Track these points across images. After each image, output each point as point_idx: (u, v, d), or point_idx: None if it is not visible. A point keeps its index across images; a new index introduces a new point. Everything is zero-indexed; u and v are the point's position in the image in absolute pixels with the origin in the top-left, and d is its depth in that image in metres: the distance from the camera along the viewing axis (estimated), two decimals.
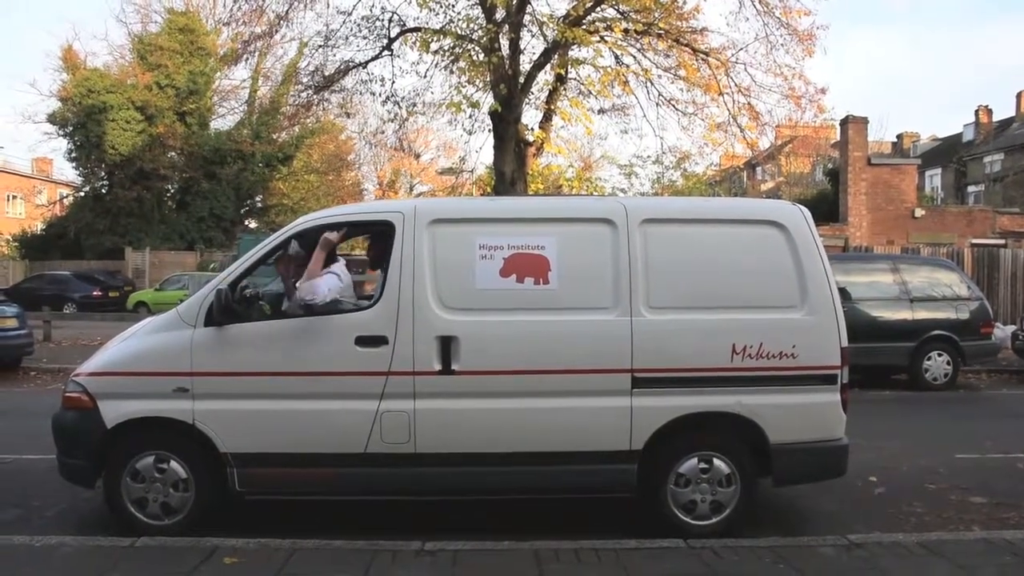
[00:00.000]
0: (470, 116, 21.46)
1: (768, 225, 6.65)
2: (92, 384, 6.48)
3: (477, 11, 20.06)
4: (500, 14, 19.53)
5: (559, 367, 6.34)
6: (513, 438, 6.35)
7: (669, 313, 6.42)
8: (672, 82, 21.98)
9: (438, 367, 6.29)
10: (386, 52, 21.75)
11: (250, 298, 6.80)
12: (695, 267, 6.52)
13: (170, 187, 43.20)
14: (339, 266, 6.83)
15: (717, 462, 6.47)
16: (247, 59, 27.34)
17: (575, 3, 20.08)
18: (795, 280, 6.50)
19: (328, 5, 26.13)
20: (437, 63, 20.77)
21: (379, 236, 7.01)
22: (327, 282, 6.59)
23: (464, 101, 20.64)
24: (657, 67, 21.63)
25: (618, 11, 20.93)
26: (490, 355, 6.34)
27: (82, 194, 43.62)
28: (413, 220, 6.50)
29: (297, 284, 6.65)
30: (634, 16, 20.73)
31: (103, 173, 41.71)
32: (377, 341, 6.31)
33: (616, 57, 21.32)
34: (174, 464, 6.38)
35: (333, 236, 6.69)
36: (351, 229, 7.15)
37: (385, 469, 6.36)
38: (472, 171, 34.22)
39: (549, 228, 6.58)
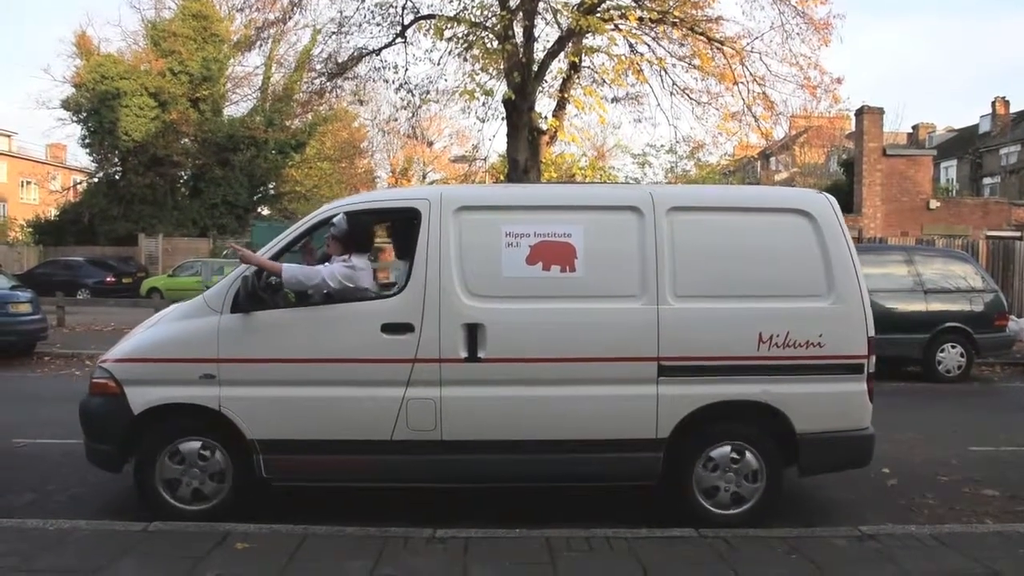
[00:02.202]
0: (483, 104, 21.47)
1: (795, 214, 6.62)
2: (119, 370, 6.49)
3: None
4: (514, 1, 19.50)
5: (585, 355, 6.33)
6: (539, 426, 6.35)
7: (695, 301, 6.41)
8: (686, 71, 21.94)
9: (464, 354, 6.29)
10: (399, 39, 21.76)
11: (275, 285, 6.78)
12: (722, 255, 6.49)
13: (183, 174, 43.26)
14: (359, 257, 6.69)
15: (743, 451, 6.47)
16: (260, 46, 27.36)
17: None
18: (822, 269, 6.48)
19: None
20: (451, 50, 20.77)
21: (402, 224, 7.03)
22: (327, 270, 6.51)
23: (477, 89, 20.61)
24: (671, 56, 21.57)
25: None
26: (516, 343, 6.33)
27: (96, 180, 43.69)
28: (440, 207, 6.49)
29: (331, 264, 6.64)
30: (649, 4, 20.66)
31: (117, 159, 41.79)
32: (403, 328, 6.31)
33: (630, 45, 21.26)
34: (207, 450, 6.42)
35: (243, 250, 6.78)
36: (377, 216, 7.12)
37: (411, 456, 6.37)
38: (485, 159, 34.27)
39: (576, 216, 6.56)
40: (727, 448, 6.46)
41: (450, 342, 6.29)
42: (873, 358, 6.55)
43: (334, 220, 6.69)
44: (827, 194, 6.90)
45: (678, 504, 6.57)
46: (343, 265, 6.54)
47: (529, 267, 6.37)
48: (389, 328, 6.32)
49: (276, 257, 6.62)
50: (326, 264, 6.62)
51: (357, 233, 6.71)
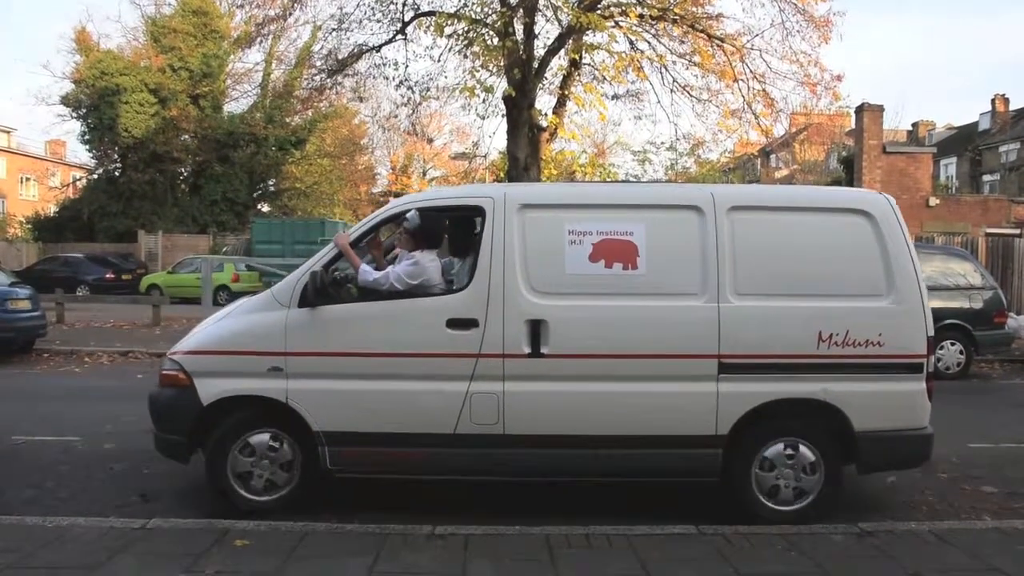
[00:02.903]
0: (483, 101, 21.46)
1: (856, 214, 6.64)
2: (188, 362, 6.64)
3: None
4: None
5: (646, 352, 6.40)
6: (600, 421, 6.41)
7: (756, 300, 6.45)
8: (687, 68, 21.93)
9: (527, 350, 6.38)
10: (400, 36, 21.74)
11: (339, 280, 6.91)
12: (782, 254, 6.53)
13: (183, 170, 43.20)
14: (426, 254, 6.76)
15: (802, 448, 6.50)
16: (261, 42, 27.40)
17: None
18: (882, 268, 6.50)
19: None
20: (451, 47, 20.77)
21: (460, 221, 7.16)
22: (395, 272, 6.60)
23: (478, 86, 20.61)
24: (672, 53, 21.56)
25: None
26: (578, 339, 6.41)
27: (95, 177, 43.67)
28: (504, 205, 6.59)
29: (401, 258, 6.80)
30: (649, 1, 20.64)
31: (116, 156, 41.77)
32: (468, 324, 6.41)
33: (631, 42, 21.24)
34: (273, 440, 6.57)
35: (343, 237, 6.78)
36: (445, 213, 7.15)
37: (474, 450, 6.45)
38: (485, 156, 34.23)
39: (638, 214, 6.62)
40: (785, 446, 6.50)
41: (514, 338, 6.39)
42: (932, 357, 6.59)
43: (407, 216, 6.79)
44: (887, 195, 6.91)
45: (735, 500, 6.60)
46: (408, 264, 6.65)
47: (592, 264, 6.45)
48: (454, 323, 6.42)
49: (356, 244, 6.81)
50: (393, 267, 6.73)
51: (427, 229, 6.80)
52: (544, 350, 6.37)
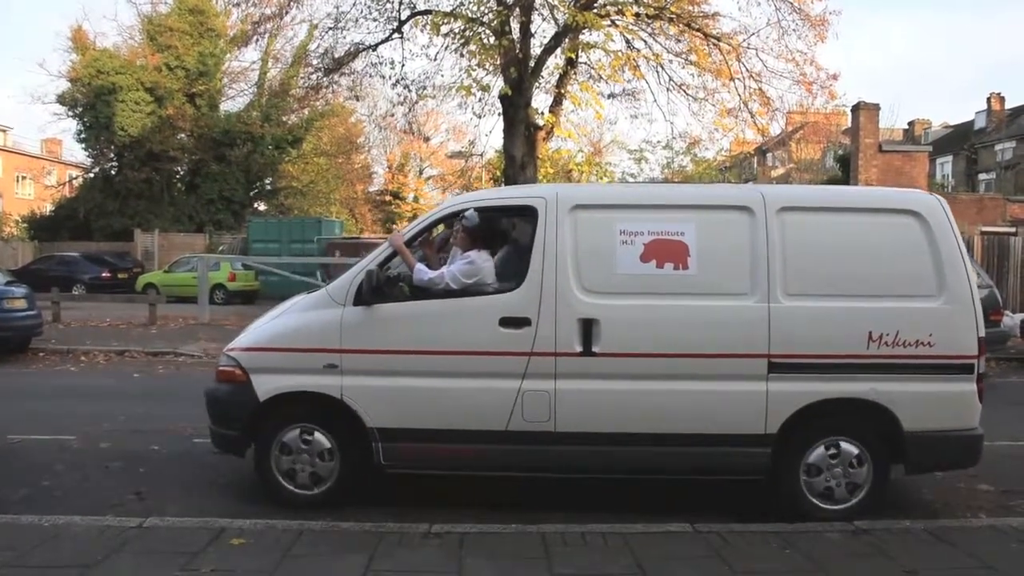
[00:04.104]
0: (480, 99, 21.47)
1: (906, 214, 6.64)
2: (245, 359, 6.79)
3: None
4: None
5: (697, 351, 6.45)
6: (651, 419, 6.47)
7: (806, 300, 6.47)
8: (683, 67, 21.95)
9: (579, 349, 6.45)
10: (396, 35, 21.74)
11: (392, 279, 6.97)
12: (832, 254, 6.55)
13: (180, 169, 43.12)
14: (480, 253, 6.87)
15: (849, 447, 6.52)
16: (257, 41, 27.35)
17: None
18: (932, 269, 6.50)
19: None
20: (447, 46, 20.75)
21: (510, 221, 7.31)
22: (451, 272, 6.73)
23: (474, 84, 20.60)
24: (668, 52, 21.57)
25: None
26: (630, 338, 6.48)
27: (92, 175, 43.60)
28: (556, 205, 6.66)
29: (457, 256, 6.95)
30: (646, 0, 20.64)
31: (113, 154, 41.71)
32: (520, 323, 6.50)
33: (627, 41, 21.26)
34: (318, 435, 6.72)
35: (397, 237, 6.92)
36: (500, 213, 7.26)
37: (526, 447, 6.53)
38: (482, 155, 34.18)
39: (688, 215, 6.68)
40: (834, 444, 6.52)
41: (565, 336, 6.46)
42: (984, 358, 6.58)
43: (465, 214, 6.86)
44: (938, 196, 6.92)
45: (782, 499, 6.62)
46: (463, 263, 6.76)
47: (643, 264, 6.52)
48: (507, 322, 6.51)
49: (409, 243, 6.93)
50: (448, 266, 6.87)
51: (484, 228, 6.90)
52: (596, 349, 6.44)
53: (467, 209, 6.87)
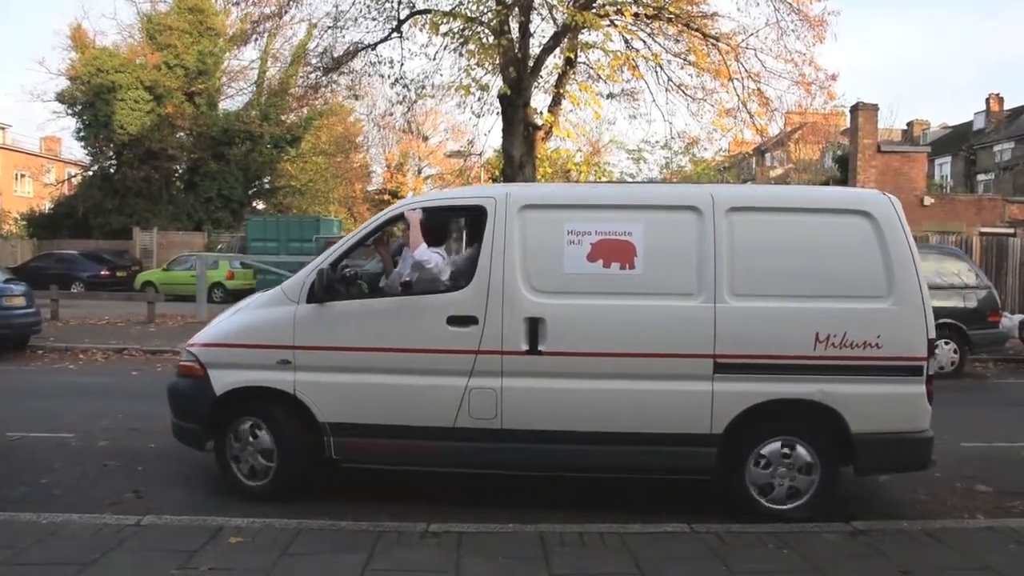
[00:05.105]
0: (479, 99, 21.38)
1: (857, 215, 6.62)
2: (204, 354, 7.01)
3: None
4: None
5: (643, 351, 6.47)
6: (596, 418, 6.49)
7: (753, 300, 6.48)
8: (682, 67, 21.90)
9: (525, 347, 6.50)
10: (395, 34, 21.69)
11: (350, 277, 7.09)
12: (781, 255, 6.55)
13: (178, 167, 43.14)
14: (441, 249, 7.10)
15: (798, 448, 6.52)
16: (256, 40, 27.22)
17: None
18: (882, 270, 6.48)
19: None
20: (446, 45, 20.70)
21: (474, 221, 7.32)
22: (436, 256, 6.90)
23: (473, 84, 20.55)
24: (667, 52, 21.53)
25: None
26: (576, 337, 6.51)
27: (90, 173, 43.64)
28: (505, 206, 6.72)
29: (410, 253, 6.98)
30: (645, 0, 20.64)
31: (111, 153, 41.75)
32: (467, 321, 6.56)
33: (626, 41, 21.25)
34: (263, 431, 6.84)
35: (416, 214, 6.92)
36: (449, 212, 7.44)
37: (473, 443, 6.60)
38: (480, 154, 34.16)
39: (636, 215, 6.71)
40: (781, 445, 6.52)
41: (512, 335, 6.52)
42: (933, 360, 6.57)
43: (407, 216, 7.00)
44: (891, 195, 6.89)
45: (731, 498, 6.64)
46: (438, 255, 6.97)
47: (590, 264, 6.55)
48: (454, 320, 6.58)
49: (348, 252, 7.04)
50: (433, 253, 6.90)
51: (432, 227, 7.00)
52: (542, 348, 6.47)
53: (416, 210, 6.98)
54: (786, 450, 6.50)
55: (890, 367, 6.45)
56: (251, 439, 6.86)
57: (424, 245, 6.79)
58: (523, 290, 6.53)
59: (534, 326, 6.48)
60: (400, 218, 7.14)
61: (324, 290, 6.66)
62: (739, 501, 6.57)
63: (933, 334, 6.49)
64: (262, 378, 6.79)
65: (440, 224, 7.25)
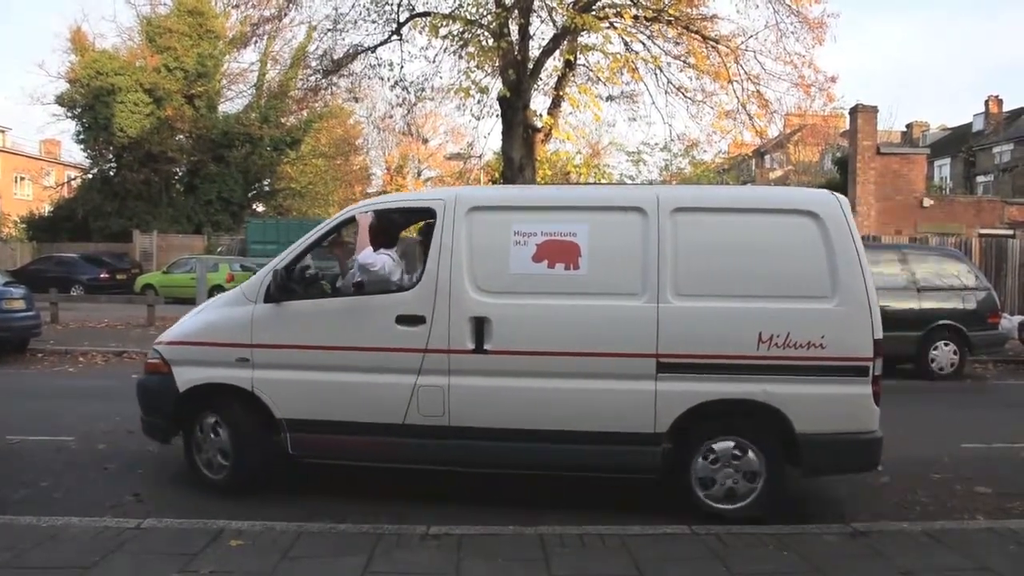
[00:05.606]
0: (479, 101, 21.43)
1: (802, 214, 6.61)
2: (168, 352, 7.29)
3: None
4: None
5: (586, 350, 6.50)
6: (541, 416, 6.55)
7: (696, 300, 6.48)
8: (681, 70, 21.98)
9: (471, 346, 6.59)
10: (395, 37, 21.73)
11: (310, 278, 7.30)
12: (725, 255, 6.56)
13: (178, 170, 43.20)
14: (392, 251, 7.27)
15: (743, 448, 6.51)
16: (256, 42, 27.25)
17: None
18: (827, 270, 6.46)
19: None
20: (446, 48, 20.75)
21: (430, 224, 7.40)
22: (383, 258, 7.08)
23: (473, 86, 20.59)
24: (666, 54, 21.60)
25: None
26: (520, 336, 6.58)
27: (90, 176, 43.67)
28: (453, 207, 6.83)
29: (355, 256, 7.15)
30: (644, 2, 20.68)
31: (111, 155, 41.80)
32: (415, 320, 6.68)
33: (625, 44, 21.29)
34: (222, 428, 7.05)
35: (366, 217, 7.12)
36: (400, 215, 7.63)
37: (422, 440, 6.71)
38: (480, 157, 34.22)
39: (582, 216, 6.76)
40: (727, 445, 6.52)
41: (458, 334, 6.61)
42: (880, 361, 6.53)
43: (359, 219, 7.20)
44: (838, 195, 6.87)
45: (678, 498, 6.64)
46: (388, 256, 7.15)
47: (535, 264, 6.61)
48: (403, 320, 6.70)
49: (304, 253, 7.20)
50: (380, 255, 7.10)
51: (383, 229, 7.28)
52: (487, 346, 6.58)
53: (367, 212, 7.20)
54: (733, 450, 6.51)
55: (834, 367, 6.43)
56: (212, 434, 7.07)
57: (370, 248, 6.98)
58: (469, 290, 6.63)
59: (480, 325, 6.58)
60: (354, 220, 7.29)
61: (279, 290, 6.88)
62: (685, 501, 6.59)
63: (879, 335, 6.46)
64: (222, 375, 6.99)
65: (392, 226, 7.51)
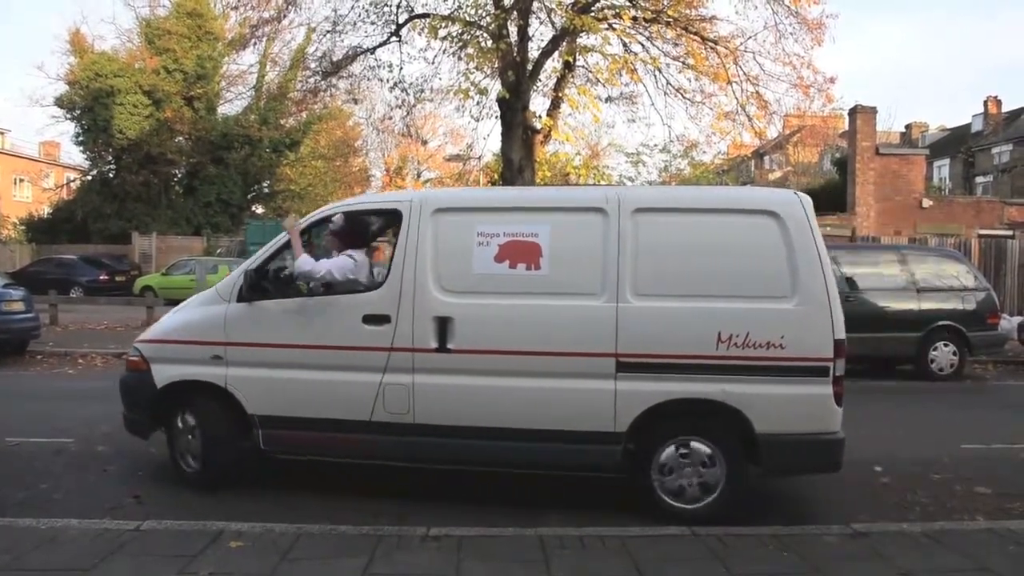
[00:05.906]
0: (478, 103, 21.44)
1: (763, 215, 6.62)
2: (147, 350, 7.51)
3: None
4: (508, 0, 19.47)
5: (547, 349, 6.59)
6: (503, 414, 6.65)
7: (655, 300, 6.53)
8: (680, 71, 21.98)
9: (435, 345, 6.71)
10: (394, 38, 21.75)
11: (284, 278, 7.41)
12: (684, 256, 6.60)
13: (177, 172, 43.17)
14: (358, 252, 7.34)
15: (701, 447, 6.53)
16: (255, 44, 27.25)
17: None
18: (787, 270, 6.46)
19: None
20: (445, 49, 20.76)
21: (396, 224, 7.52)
22: (332, 263, 7.19)
23: (472, 88, 20.60)
24: (665, 55, 21.61)
25: None
26: (483, 336, 6.69)
27: (89, 178, 43.65)
28: (419, 209, 6.96)
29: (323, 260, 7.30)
30: (643, 4, 20.70)
31: (110, 157, 41.79)
32: (381, 320, 6.81)
33: (624, 45, 21.30)
34: (196, 425, 7.27)
35: (296, 229, 7.32)
36: (368, 216, 7.72)
37: (388, 437, 6.83)
38: (479, 158, 34.19)
39: (543, 217, 6.86)
40: (686, 444, 6.54)
41: (422, 333, 6.73)
42: (842, 361, 6.49)
43: (333, 219, 7.41)
44: (801, 194, 6.87)
45: (641, 496, 6.67)
46: (346, 257, 7.25)
47: (497, 265, 6.72)
48: (369, 319, 6.84)
49: (276, 254, 7.42)
50: (327, 259, 7.26)
51: (352, 231, 7.42)
52: (451, 346, 6.68)
53: (336, 214, 7.40)
54: (693, 450, 6.53)
55: (794, 367, 6.42)
56: (188, 432, 7.28)
57: (304, 256, 7.07)
58: (433, 290, 6.75)
59: (443, 325, 6.69)
60: (323, 222, 7.47)
61: (251, 290, 7.07)
62: (646, 499, 6.62)
63: (841, 335, 6.44)
64: (198, 372, 7.17)
65: (360, 227, 7.58)
